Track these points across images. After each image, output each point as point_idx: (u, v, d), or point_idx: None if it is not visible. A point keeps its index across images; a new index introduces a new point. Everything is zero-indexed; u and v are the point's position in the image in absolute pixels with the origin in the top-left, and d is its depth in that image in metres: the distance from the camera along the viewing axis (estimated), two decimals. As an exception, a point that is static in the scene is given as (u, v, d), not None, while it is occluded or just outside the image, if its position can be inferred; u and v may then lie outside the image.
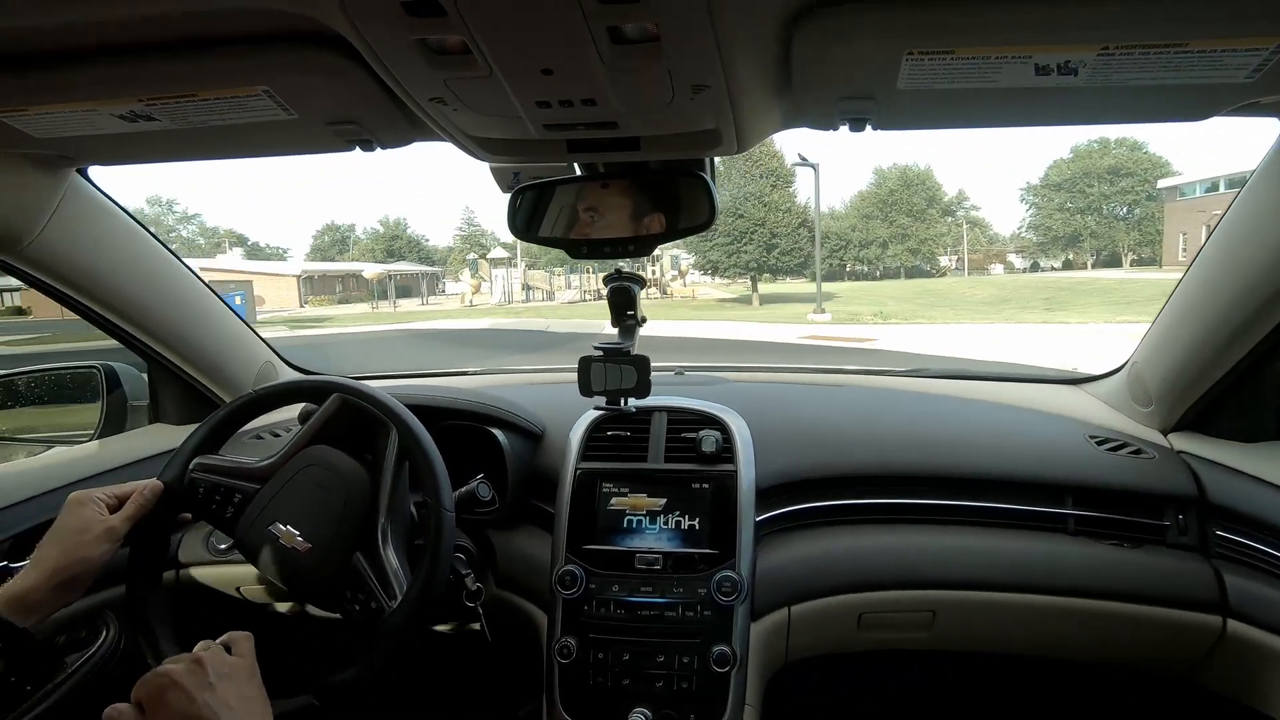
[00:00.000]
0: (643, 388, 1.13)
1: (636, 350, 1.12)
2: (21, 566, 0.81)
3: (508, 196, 0.98)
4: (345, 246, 58.40)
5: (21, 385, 1.52)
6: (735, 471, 1.13)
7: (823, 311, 19.57)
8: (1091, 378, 1.48)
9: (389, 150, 0.85)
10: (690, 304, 27.54)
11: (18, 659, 0.75)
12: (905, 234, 41.95)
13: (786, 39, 0.62)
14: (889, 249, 42.57)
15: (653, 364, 1.13)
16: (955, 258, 47.14)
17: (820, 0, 0.59)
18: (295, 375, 1.59)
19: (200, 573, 1.25)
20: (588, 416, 1.23)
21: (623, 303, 1.13)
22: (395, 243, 54.81)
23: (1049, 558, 1.12)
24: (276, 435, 1.43)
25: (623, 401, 1.17)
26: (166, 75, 0.69)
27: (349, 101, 0.73)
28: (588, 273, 33.17)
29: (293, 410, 1.13)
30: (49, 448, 1.40)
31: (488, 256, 30.60)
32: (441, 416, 1.21)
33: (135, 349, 1.35)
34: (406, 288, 37.61)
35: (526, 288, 30.91)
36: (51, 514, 0.85)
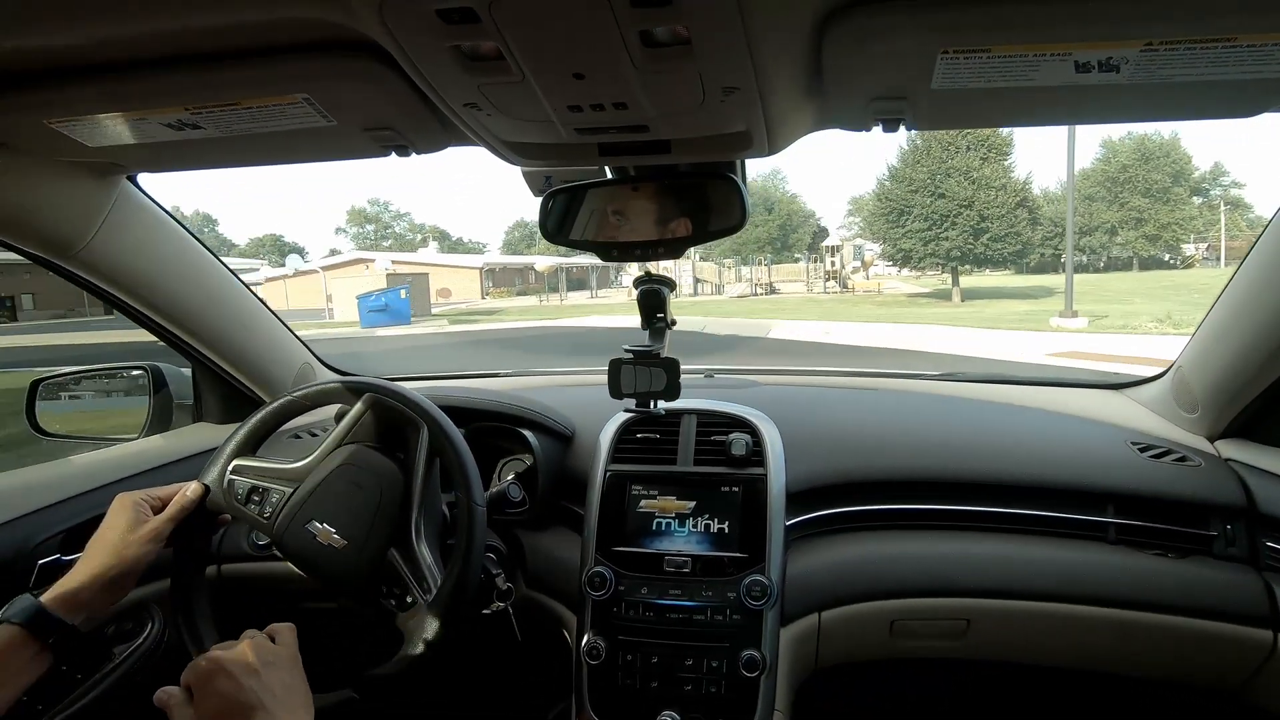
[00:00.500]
0: (672, 390, 1.12)
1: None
2: (74, 559, 0.85)
3: (539, 200, 0.99)
4: (532, 241, 60.76)
5: (76, 385, 1.58)
6: (765, 475, 1.12)
7: (1075, 315, 14.62)
8: (1133, 382, 1.43)
9: (424, 155, 0.86)
10: (874, 299, 23.27)
11: (68, 652, 0.78)
12: (1140, 218, 35.27)
13: (818, 40, 0.61)
14: (1118, 235, 36.17)
15: (682, 366, 1.13)
16: (1205, 245, 39.81)
17: (852, 0, 0.58)
18: (332, 376, 1.63)
19: (241, 568, 1.28)
20: (617, 418, 1.23)
21: (653, 305, 1.13)
22: (579, 237, 57.70)
23: (1088, 567, 1.09)
24: (314, 435, 1.46)
25: (652, 404, 1.17)
26: (212, 85, 0.72)
27: (385, 108, 0.75)
28: (759, 264, 31.27)
29: (329, 411, 1.15)
30: (101, 445, 1.45)
31: (658, 249, 30.19)
32: (473, 418, 1.22)
33: (180, 350, 1.39)
34: (580, 280, 38.08)
35: (696, 281, 29.28)
36: (101, 509, 0.88)
